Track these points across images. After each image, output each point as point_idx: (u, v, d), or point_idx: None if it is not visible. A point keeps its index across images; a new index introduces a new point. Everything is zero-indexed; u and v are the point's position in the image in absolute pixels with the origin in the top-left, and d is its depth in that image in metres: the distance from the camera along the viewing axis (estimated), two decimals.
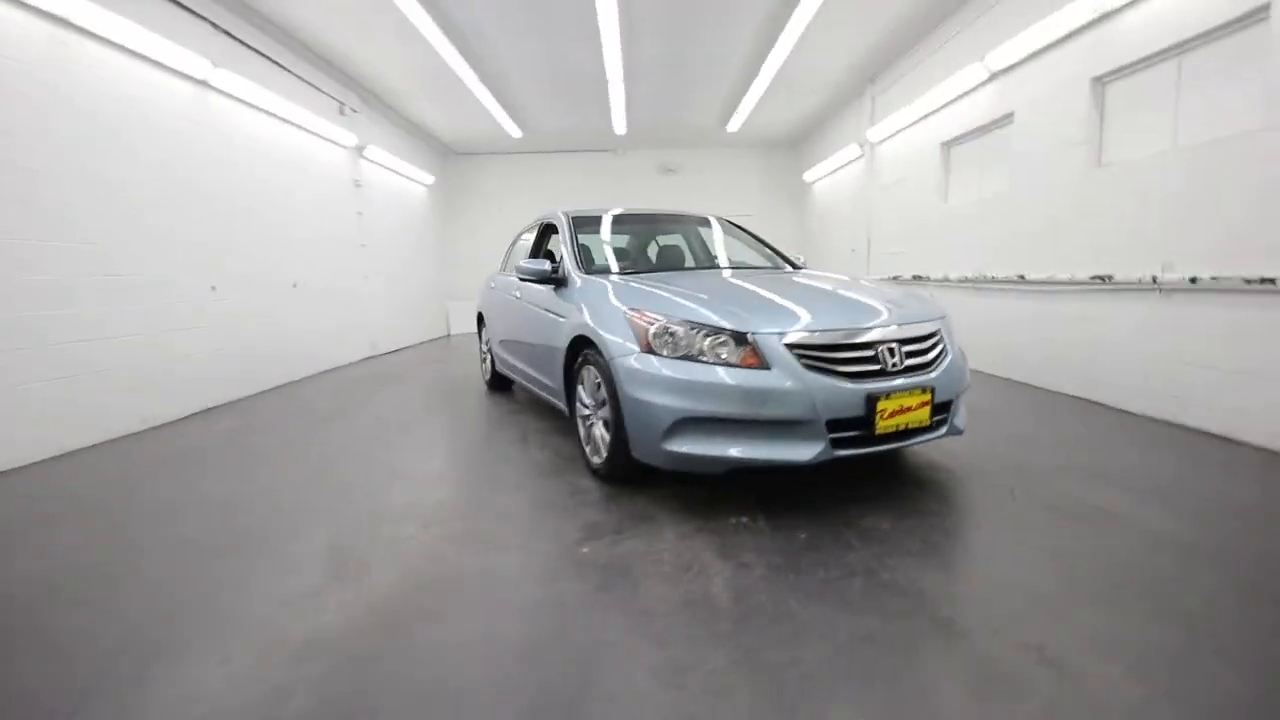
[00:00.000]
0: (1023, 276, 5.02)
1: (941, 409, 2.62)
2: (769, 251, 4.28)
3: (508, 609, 1.87)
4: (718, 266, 4.06)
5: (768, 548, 2.24)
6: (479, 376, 6.43)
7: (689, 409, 2.41)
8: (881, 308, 2.73)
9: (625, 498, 2.77)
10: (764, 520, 2.48)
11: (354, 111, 7.77)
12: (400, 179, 9.50)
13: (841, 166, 9.29)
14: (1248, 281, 3.17)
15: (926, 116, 6.56)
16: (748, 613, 1.82)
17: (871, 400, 2.39)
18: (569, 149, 11.61)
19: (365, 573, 2.13)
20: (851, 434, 2.41)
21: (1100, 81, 4.26)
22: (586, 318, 3.00)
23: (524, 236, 5.12)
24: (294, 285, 6.39)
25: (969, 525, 2.43)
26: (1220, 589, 1.89)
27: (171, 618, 1.88)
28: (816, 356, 2.43)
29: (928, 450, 3.30)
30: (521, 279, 3.79)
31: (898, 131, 7.28)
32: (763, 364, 2.41)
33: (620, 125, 9.72)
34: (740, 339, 2.46)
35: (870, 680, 1.51)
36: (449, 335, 11.53)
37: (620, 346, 2.68)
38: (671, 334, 2.54)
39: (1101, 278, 4.18)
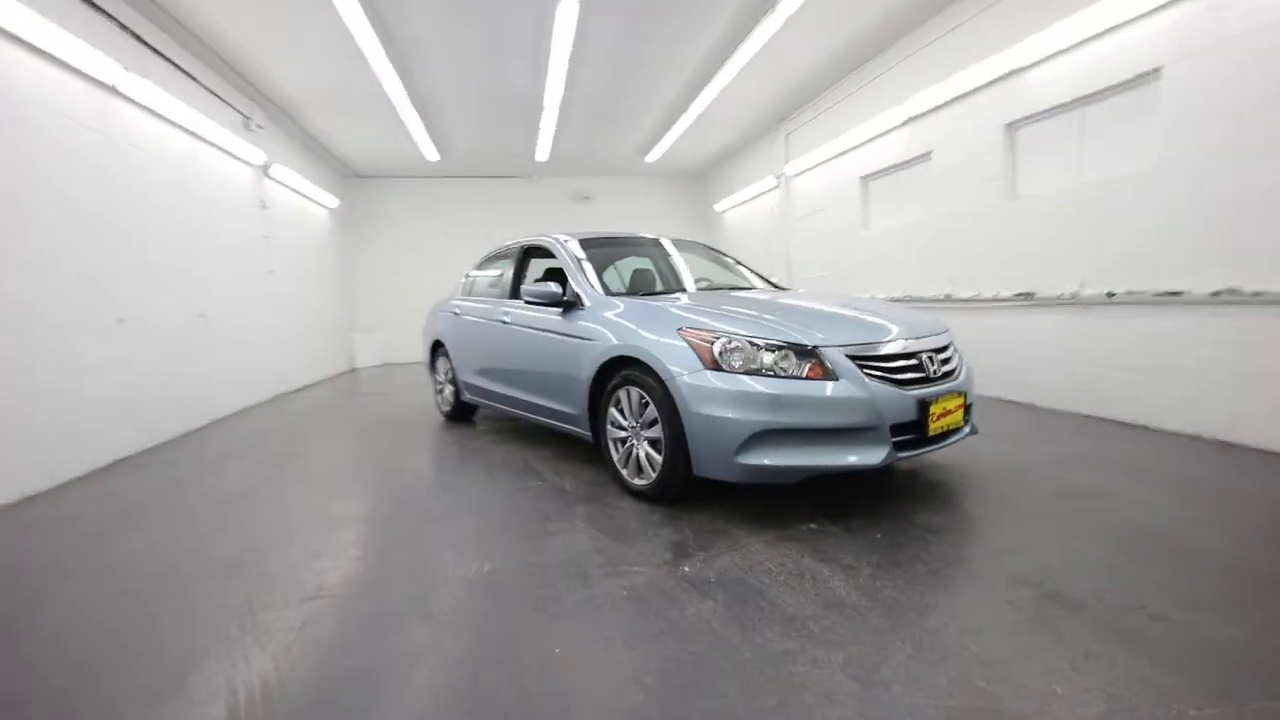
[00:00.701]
0: (949, 295, 5.65)
1: (968, 411, 2.90)
2: (751, 273, 4.48)
3: (666, 643, 1.80)
4: (717, 287, 4.18)
5: (857, 549, 2.34)
6: (423, 408, 6.06)
7: (768, 421, 2.47)
8: (907, 321, 2.99)
9: (685, 516, 2.76)
10: (832, 525, 2.59)
11: (260, 128, 7.12)
12: (304, 201, 8.79)
13: (755, 197, 9.91)
14: (1158, 295, 3.84)
15: (846, 153, 7.22)
16: (889, 607, 1.90)
17: (924, 405, 2.61)
18: (483, 174, 11.37)
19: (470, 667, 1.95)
20: (908, 437, 2.60)
21: (1012, 127, 4.98)
22: (627, 339, 2.98)
23: (496, 262, 4.97)
24: (202, 316, 5.67)
25: (997, 512, 2.69)
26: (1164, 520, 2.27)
27: None
28: (875, 366, 2.61)
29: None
30: (529, 301, 3.68)
31: (816, 166, 7.93)
32: (828, 375, 2.54)
33: (544, 152, 9.71)
34: (804, 352, 2.58)
35: (1039, 638, 1.64)
36: (354, 369, 10.71)
37: (680, 365, 2.69)
38: (737, 350, 2.61)
39: (1024, 295, 4.83)
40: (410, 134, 8.41)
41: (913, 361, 2.71)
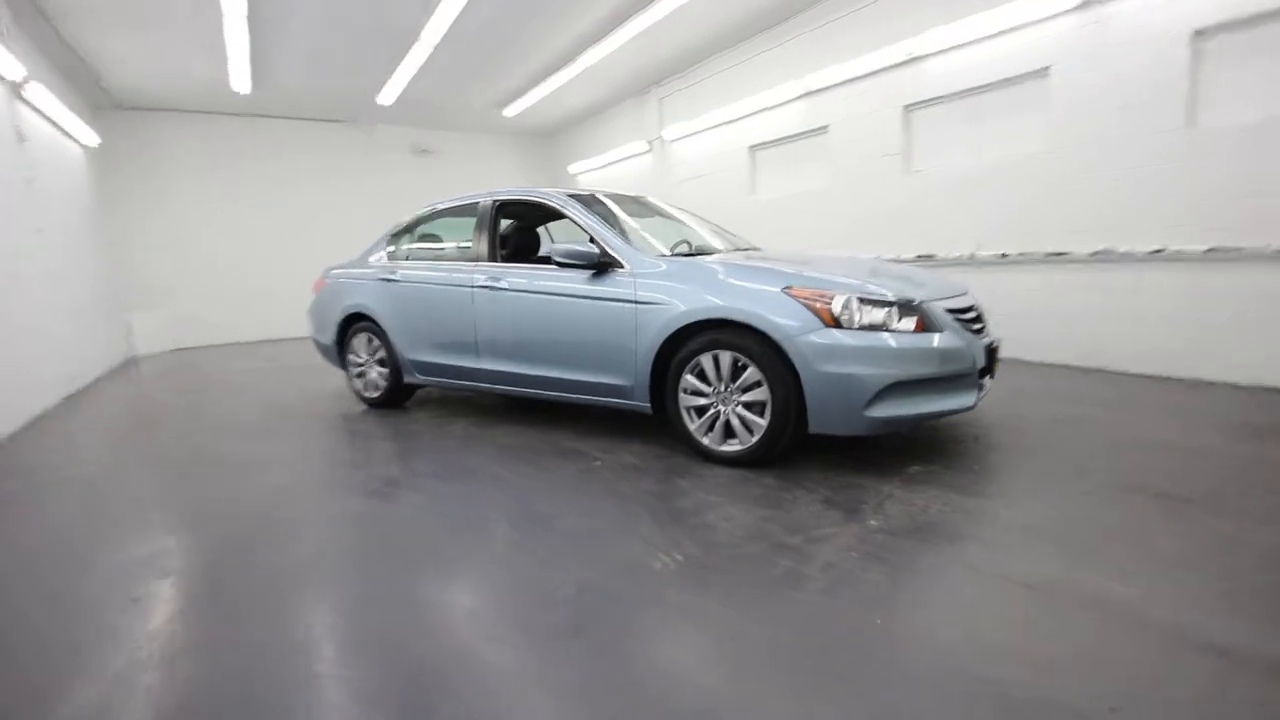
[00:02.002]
0: (853, 258, 6.32)
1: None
2: (726, 232, 4.50)
3: (998, 586, 1.83)
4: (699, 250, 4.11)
5: (973, 481, 2.61)
6: (317, 394, 5.07)
7: (897, 374, 2.58)
8: (947, 280, 3.31)
9: (789, 476, 2.77)
10: (929, 465, 2.83)
11: (5, 32, 5.07)
12: (62, 137, 6.52)
13: (620, 160, 9.85)
14: (1047, 255, 4.77)
15: (734, 121, 7.53)
16: (1094, 529, 2.17)
17: (993, 351, 2.95)
18: (303, 116, 9.55)
19: None
20: (981, 381, 2.93)
21: (910, 108, 5.67)
22: (719, 299, 2.84)
23: (446, 221, 4.29)
24: None
25: (1025, 452, 3.19)
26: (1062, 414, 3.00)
27: None
28: (961, 319, 2.87)
29: None
30: (560, 264, 3.28)
31: (698, 132, 8.13)
32: (930, 328, 2.73)
33: (390, 95, 8.46)
34: (909, 307, 2.73)
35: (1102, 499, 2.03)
36: (135, 357, 8.43)
37: (798, 325, 2.66)
38: (856, 307, 2.66)
39: (925, 256, 5.62)
40: (226, 54, 6.66)
41: (975, 314, 3.03)
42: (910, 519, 2.28)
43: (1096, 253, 4.48)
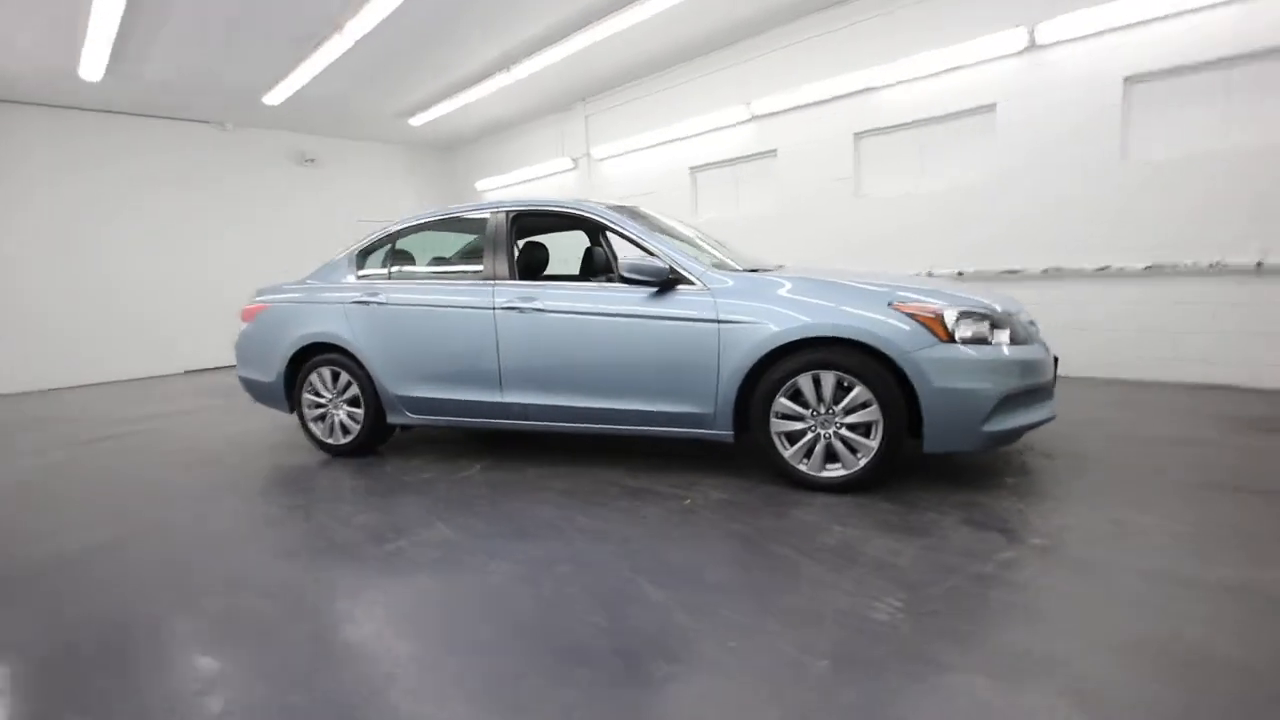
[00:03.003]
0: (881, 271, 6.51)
1: None
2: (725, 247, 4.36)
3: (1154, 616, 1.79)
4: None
5: (1091, 487, 2.68)
6: (262, 447, 4.17)
7: (1010, 387, 2.58)
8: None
9: (914, 500, 2.67)
10: (1013, 477, 2.87)
11: None
12: None
13: (540, 177, 9.45)
14: (1000, 272, 5.21)
15: (673, 142, 7.51)
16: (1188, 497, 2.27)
17: (1057, 361, 3.08)
18: (157, 114, 8.03)
19: None
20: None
21: (860, 135, 5.99)
22: (826, 317, 2.67)
23: (437, 233, 3.75)
24: None
25: (1077, 457, 3.38)
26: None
27: None
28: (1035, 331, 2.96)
29: None
30: (627, 277, 2.93)
31: (632, 152, 8.01)
32: (1018, 340, 2.78)
33: (281, 94, 7.39)
34: (999, 320, 2.76)
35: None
36: None
37: (914, 341, 2.57)
38: (965, 321, 2.63)
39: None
40: (87, 30, 5.38)
41: (1035, 327, 3.16)
42: (1061, 534, 2.26)
43: (1047, 270, 4.98)
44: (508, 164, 9.92)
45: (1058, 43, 4.72)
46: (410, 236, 3.84)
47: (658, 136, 7.59)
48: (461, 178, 10.92)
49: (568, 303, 3.15)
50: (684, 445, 3.61)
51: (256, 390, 4.08)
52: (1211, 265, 4.28)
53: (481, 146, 10.47)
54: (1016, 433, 2.68)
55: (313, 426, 3.85)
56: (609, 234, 4.37)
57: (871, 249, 5.94)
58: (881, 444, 2.65)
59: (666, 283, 2.97)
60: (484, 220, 3.54)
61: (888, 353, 2.59)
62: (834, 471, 2.76)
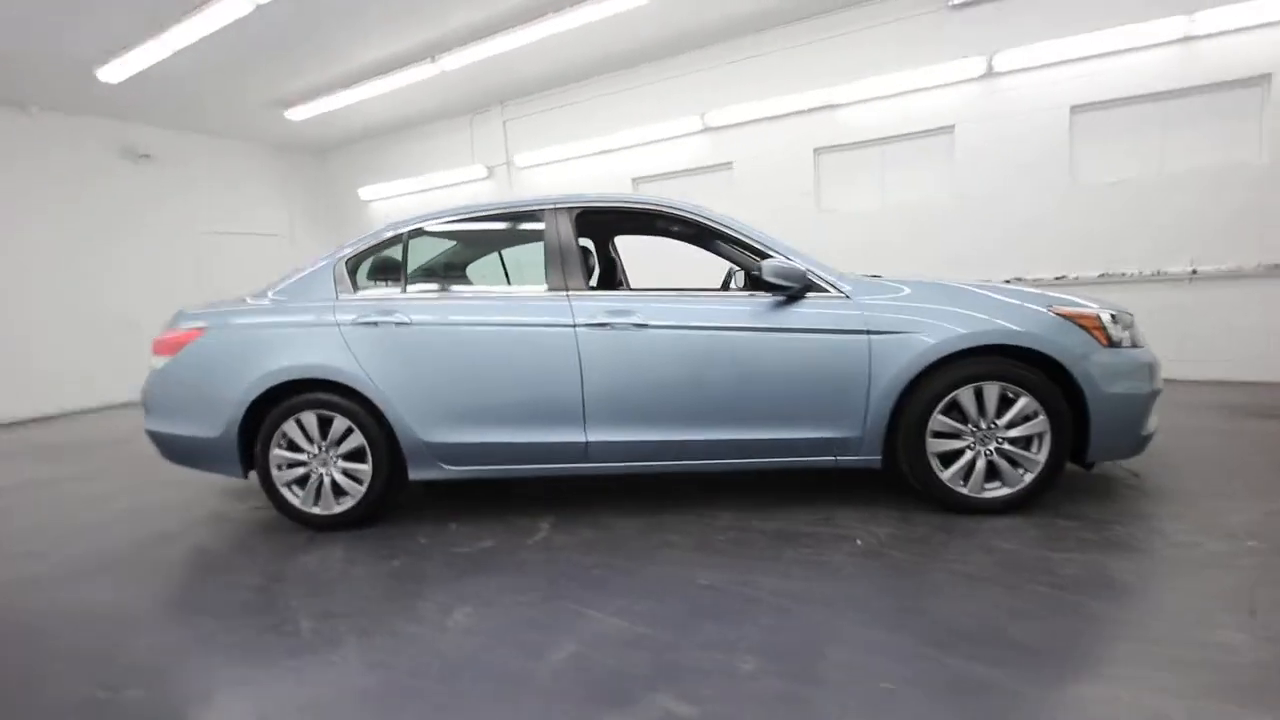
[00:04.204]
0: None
1: None
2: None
3: None
4: None
5: (1204, 483, 2.73)
6: (194, 522, 3.05)
7: (1158, 388, 2.56)
8: None
9: (1073, 516, 2.53)
10: (1138, 480, 2.88)
11: None
12: None
13: (448, 186, 8.48)
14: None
15: (614, 151, 7.09)
16: None
17: None
18: None
19: None
20: None
21: (819, 151, 6.06)
22: (1004, 322, 2.46)
23: (477, 233, 3.09)
24: None
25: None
26: None
27: None
28: None
29: None
30: (774, 283, 2.50)
31: (564, 160, 7.45)
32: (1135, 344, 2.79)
33: (122, 71, 5.77)
34: (1131, 323, 2.73)
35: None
36: None
37: (1085, 346, 2.45)
38: (1116, 324, 2.56)
39: None
40: None
41: None
42: (1260, 534, 2.23)
43: (1009, 280, 5.35)
44: (405, 169, 8.79)
45: (1013, 71, 5.13)
46: (423, 239, 3.02)
47: (595, 145, 7.14)
48: (340, 184, 9.48)
49: (676, 316, 2.62)
50: (757, 475, 3.19)
51: (183, 449, 2.95)
52: (1154, 273, 4.85)
53: (368, 149, 9.17)
54: (1152, 438, 2.66)
55: (286, 493, 2.83)
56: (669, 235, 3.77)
57: (837, 262, 5.99)
58: (1050, 457, 2.49)
59: (797, 291, 2.59)
60: (538, 219, 2.87)
61: (1060, 359, 2.44)
62: (995, 491, 2.54)
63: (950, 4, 5.21)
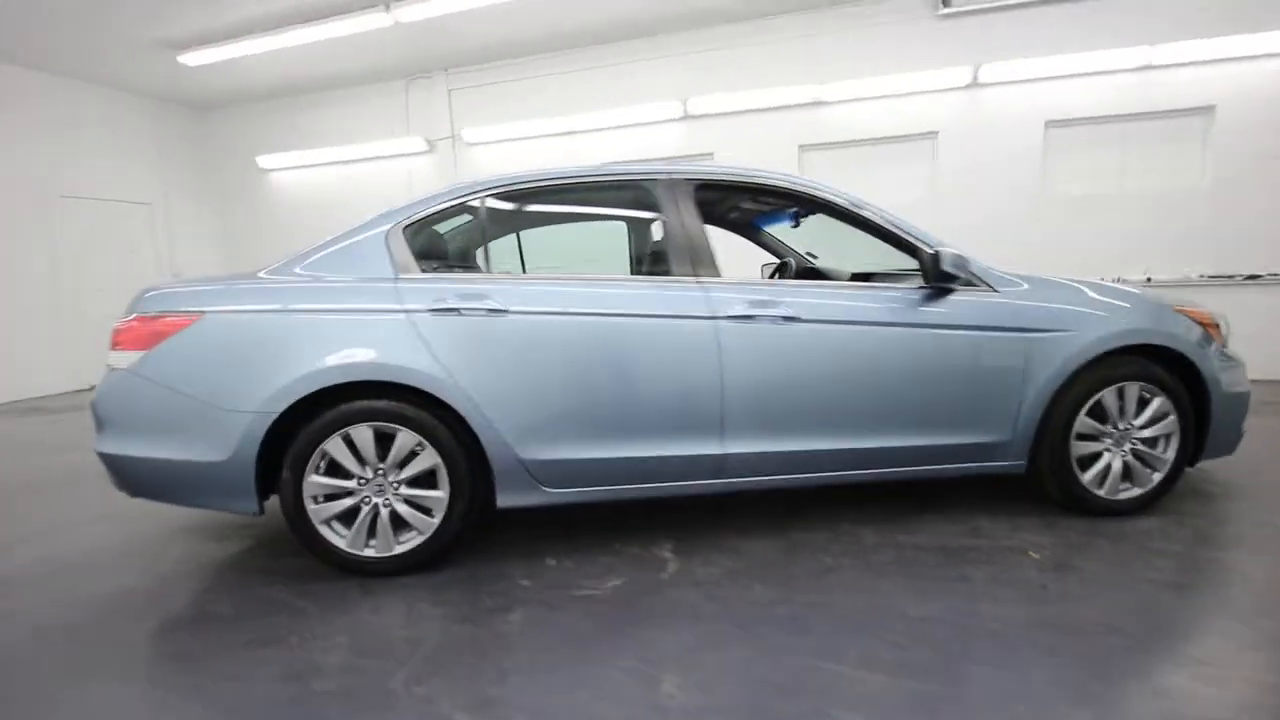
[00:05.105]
0: None
1: None
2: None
3: None
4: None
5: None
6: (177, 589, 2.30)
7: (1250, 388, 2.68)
8: None
9: (1210, 515, 2.57)
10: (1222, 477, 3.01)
11: None
12: None
13: (377, 158, 7.46)
14: None
15: (583, 133, 6.59)
16: None
17: None
18: None
19: None
20: None
21: (804, 148, 6.00)
22: (1140, 324, 2.42)
23: (526, 203, 2.45)
24: None
25: None
26: None
27: None
28: None
29: None
30: (953, 273, 2.28)
31: (524, 139, 6.80)
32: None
33: None
34: (1228, 322, 2.82)
35: None
36: None
37: (1209, 346, 2.49)
38: (1225, 324, 2.63)
39: None
40: None
41: None
42: None
43: None
44: (320, 137, 7.61)
45: (995, 83, 5.37)
46: (500, 207, 2.46)
47: (559, 125, 6.60)
48: (235, 149, 8.02)
49: (830, 310, 2.32)
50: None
51: (164, 478, 2.17)
52: (1116, 279, 5.29)
53: (274, 109, 7.82)
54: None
55: (326, 531, 2.17)
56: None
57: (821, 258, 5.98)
58: (1177, 456, 2.50)
59: (943, 288, 2.40)
60: (651, 191, 2.43)
61: (1193, 359, 2.45)
62: (1129, 493, 2.51)
63: (940, 13, 5.34)
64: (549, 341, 2.20)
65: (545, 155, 6.75)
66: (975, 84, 5.41)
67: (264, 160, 7.87)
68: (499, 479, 2.22)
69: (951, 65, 5.36)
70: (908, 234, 2.49)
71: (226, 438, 2.09)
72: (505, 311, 2.18)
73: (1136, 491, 2.51)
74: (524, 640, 1.82)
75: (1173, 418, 2.47)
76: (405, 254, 2.28)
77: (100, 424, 2.18)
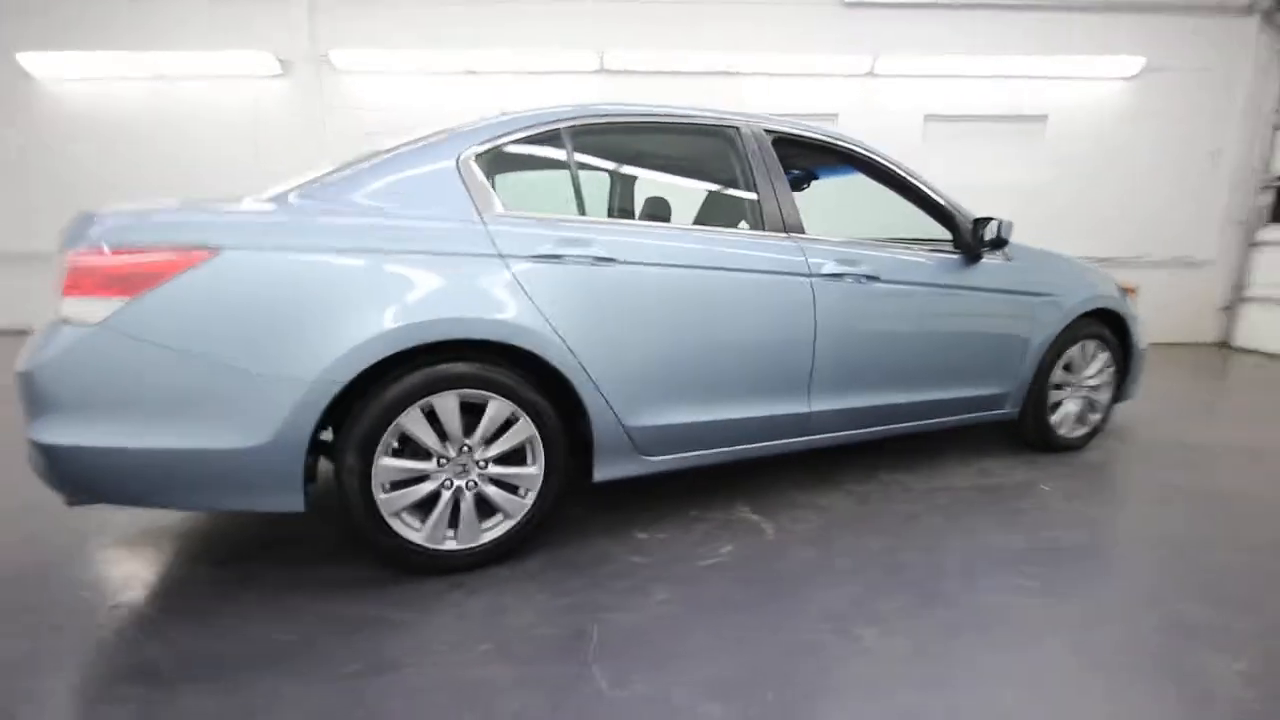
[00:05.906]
0: None
1: None
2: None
3: None
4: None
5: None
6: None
7: None
8: None
9: (1148, 441, 3.19)
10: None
11: None
12: None
13: (203, 77, 6.00)
14: None
15: (483, 74, 5.95)
16: None
17: None
18: None
19: None
20: None
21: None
22: (1096, 289, 2.89)
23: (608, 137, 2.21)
24: None
25: None
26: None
27: None
28: None
29: None
30: (1003, 239, 2.55)
31: (408, 73, 5.95)
32: None
33: None
34: None
35: None
36: None
37: (1132, 309, 3.06)
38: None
39: None
40: None
41: None
42: None
43: None
44: (116, 37, 5.89)
45: (889, 75, 5.94)
46: (586, 140, 2.14)
47: (457, 62, 5.91)
48: None
49: (900, 270, 2.42)
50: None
51: (158, 474, 1.60)
52: None
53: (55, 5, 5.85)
54: None
55: (398, 525, 1.76)
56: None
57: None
58: (1111, 399, 3.08)
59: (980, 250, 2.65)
60: (733, 139, 2.30)
61: (1128, 321, 3.01)
62: (1079, 430, 3.03)
63: (846, 1, 5.74)
64: (660, 295, 1.99)
65: (439, 96, 6.01)
66: (872, 74, 5.94)
67: (27, 60, 5.90)
68: (599, 450, 1.98)
69: (853, 53, 5.81)
70: (952, 206, 2.67)
71: (266, 415, 1.58)
72: (612, 260, 1.93)
73: (1083, 430, 3.04)
74: (695, 618, 1.67)
75: (1112, 369, 3.02)
76: (484, 188, 1.89)
77: (44, 404, 1.51)
